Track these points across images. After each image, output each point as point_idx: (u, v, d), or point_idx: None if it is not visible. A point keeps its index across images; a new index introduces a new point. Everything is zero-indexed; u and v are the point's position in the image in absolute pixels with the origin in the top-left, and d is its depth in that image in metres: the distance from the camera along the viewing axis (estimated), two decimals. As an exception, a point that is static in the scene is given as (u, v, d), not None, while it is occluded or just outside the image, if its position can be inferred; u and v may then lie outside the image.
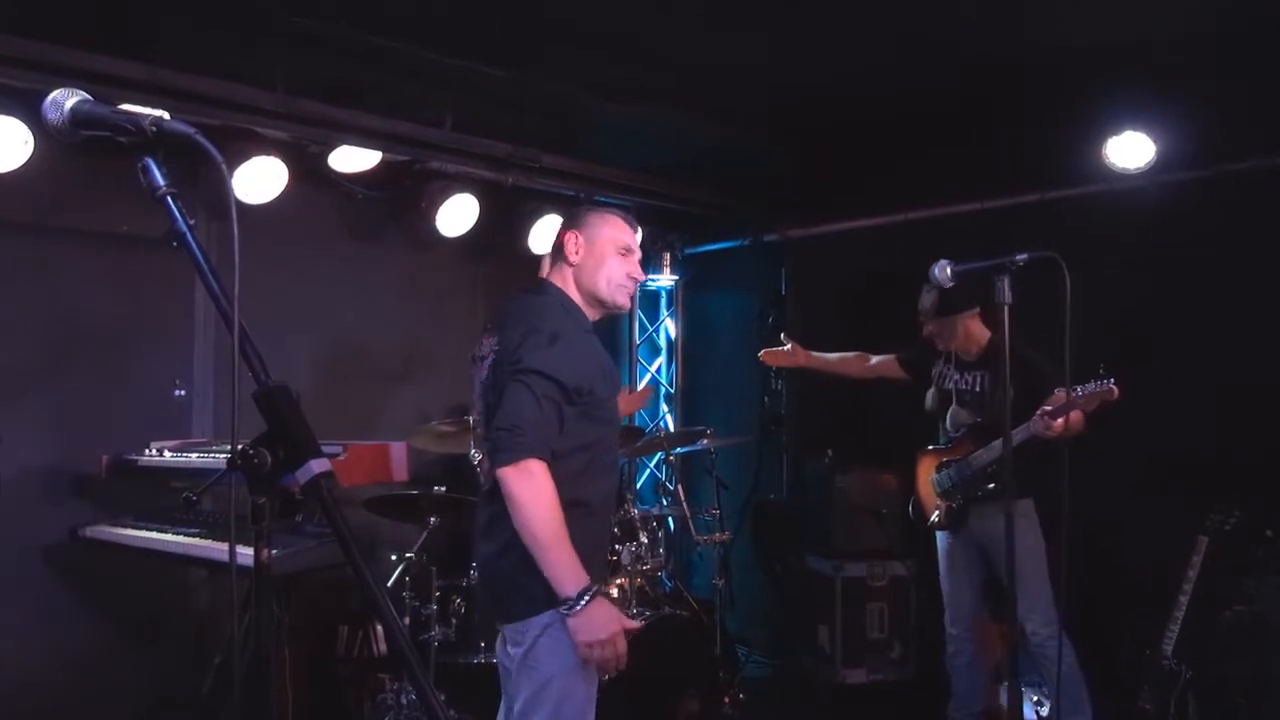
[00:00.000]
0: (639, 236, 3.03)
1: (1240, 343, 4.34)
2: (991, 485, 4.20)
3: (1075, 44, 4.29)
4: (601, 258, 2.87)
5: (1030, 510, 4.16)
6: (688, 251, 6.79)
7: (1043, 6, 4.03)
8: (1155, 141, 4.57)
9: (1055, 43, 4.30)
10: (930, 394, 4.57)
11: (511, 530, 2.55)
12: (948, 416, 4.45)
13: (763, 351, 4.76)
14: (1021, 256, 2.82)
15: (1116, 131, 4.63)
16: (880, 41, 4.42)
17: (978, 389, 4.32)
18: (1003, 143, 5.00)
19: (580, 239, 2.87)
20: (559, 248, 2.92)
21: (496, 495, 2.62)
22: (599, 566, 2.81)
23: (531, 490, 2.51)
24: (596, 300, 2.88)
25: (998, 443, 4.02)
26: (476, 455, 2.86)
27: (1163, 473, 4.37)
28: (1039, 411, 3.81)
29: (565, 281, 2.88)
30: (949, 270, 2.99)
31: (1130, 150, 4.62)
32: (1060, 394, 3.84)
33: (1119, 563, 4.46)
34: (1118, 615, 4.45)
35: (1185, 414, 4.32)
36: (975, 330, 4.33)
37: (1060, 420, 3.79)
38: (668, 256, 6.72)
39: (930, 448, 4.54)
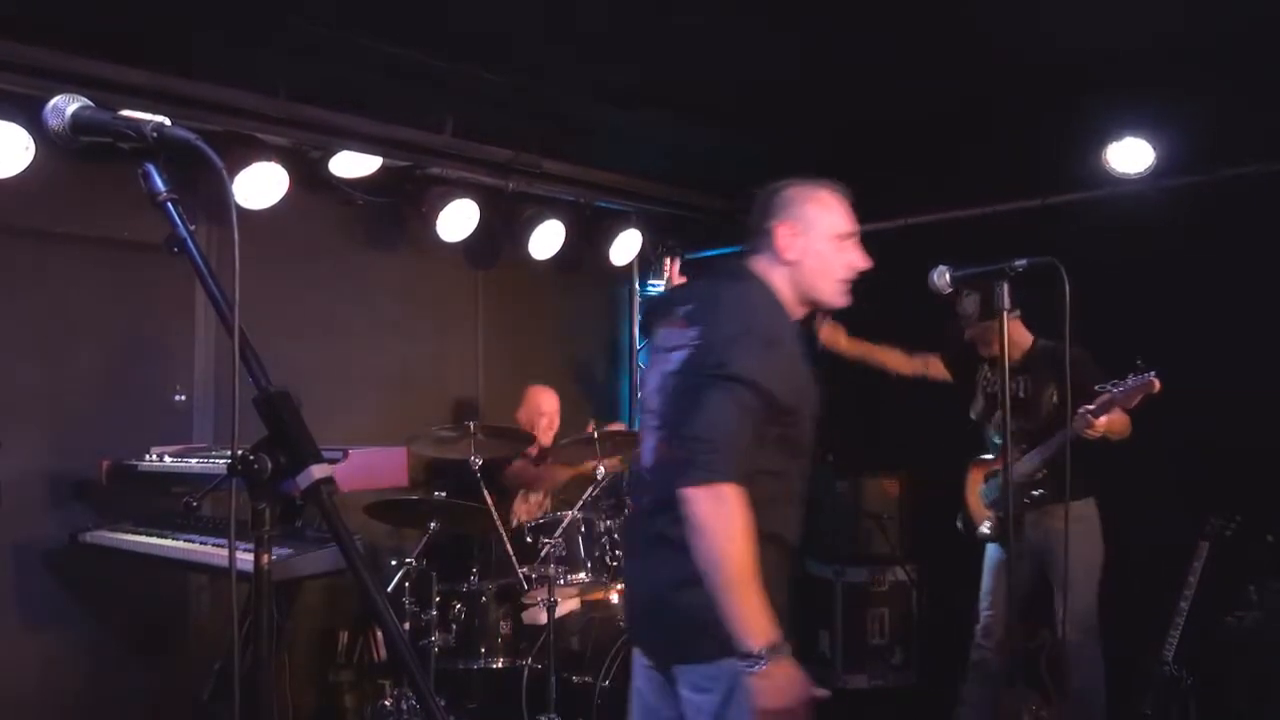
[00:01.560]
0: None
1: (1240, 347, 4.34)
2: (1037, 492, 4.07)
3: (1075, 49, 4.29)
4: (823, 255, 2.45)
5: (1091, 511, 4.09)
6: (688, 256, 6.78)
7: (1043, 12, 4.04)
8: (1155, 146, 4.57)
9: (1056, 48, 4.31)
10: (975, 401, 4.50)
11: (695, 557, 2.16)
12: (991, 423, 4.39)
13: (822, 327, 4.50)
14: (1021, 262, 2.81)
15: (1117, 137, 4.64)
16: (881, 46, 4.43)
17: (1020, 394, 4.19)
18: (1003, 148, 5.00)
19: (796, 229, 2.43)
20: (764, 240, 2.46)
21: (668, 508, 2.22)
22: (784, 618, 2.23)
23: (724, 518, 2.10)
24: (810, 300, 2.49)
25: (1039, 449, 3.97)
26: (644, 456, 2.45)
27: (1163, 478, 4.36)
28: (1080, 410, 3.73)
29: (771, 274, 2.44)
30: (948, 276, 2.99)
31: (1130, 155, 4.62)
32: (1102, 393, 3.80)
33: (1119, 568, 4.45)
34: (1119, 621, 4.44)
35: (1185, 418, 4.31)
36: (1017, 334, 4.19)
37: (1102, 419, 3.75)
38: (668, 262, 6.72)
39: (978, 458, 4.44)
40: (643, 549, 2.41)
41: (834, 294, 2.49)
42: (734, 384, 2.18)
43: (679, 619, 2.27)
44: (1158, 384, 3.68)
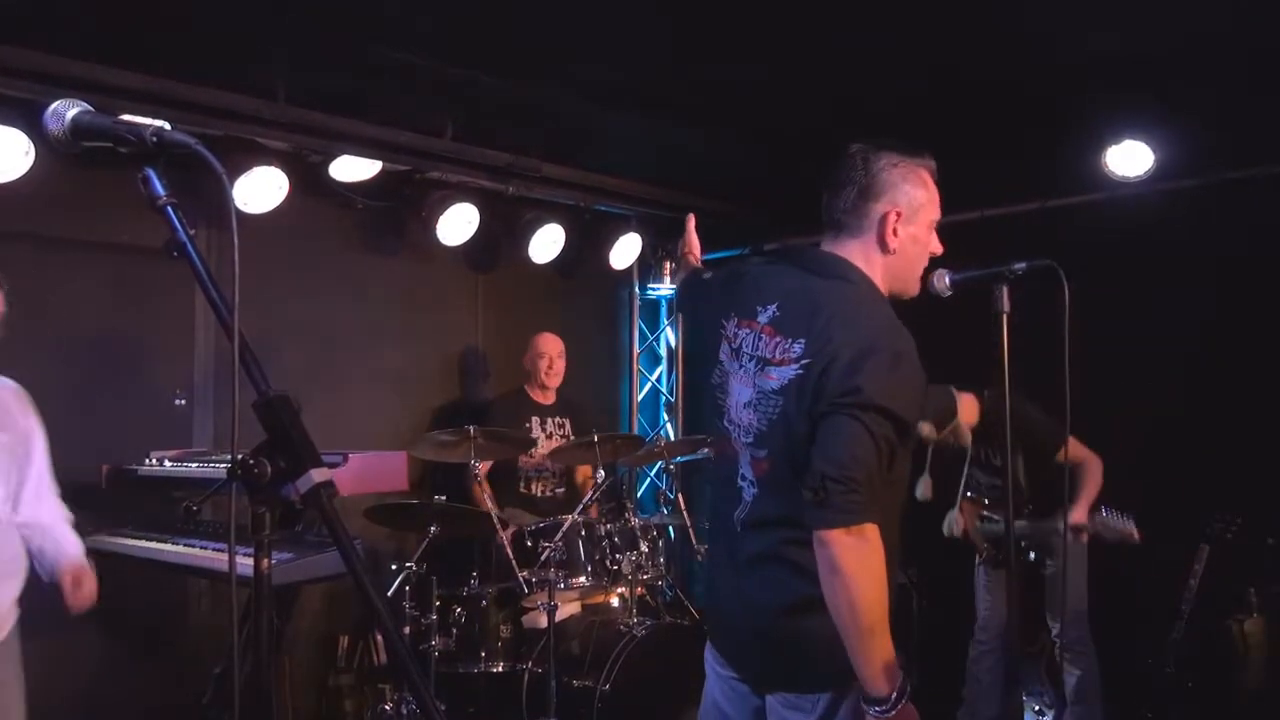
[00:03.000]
0: None
1: (1239, 349, 4.34)
2: (1031, 555, 4.18)
3: (1075, 53, 4.30)
4: (921, 244, 2.26)
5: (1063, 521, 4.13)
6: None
7: (1043, 16, 4.04)
8: (1154, 150, 4.58)
9: (1055, 51, 4.31)
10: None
11: (812, 586, 2.05)
12: (969, 471, 4.38)
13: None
14: (1020, 265, 2.81)
15: (1116, 140, 4.64)
16: (882, 50, 4.43)
17: (996, 461, 4.26)
18: (1003, 151, 5.00)
19: (903, 216, 2.22)
20: (862, 222, 2.22)
21: (774, 528, 2.16)
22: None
23: (866, 562, 1.99)
24: (895, 294, 2.29)
25: (1023, 524, 4.01)
26: (741, 469, 2.26)
27: (1163, 480, 4.36)
28: (1069, 521, 3.85)
29: (871, 265, 2.23)
30: (947, 279, 2.98)
31: (1130, 158, 4.63)
32: (1085, 517, 3.88)
33: (1120, 571, 4.44)
34: (1119, 624, 4.44)
35: (1186, 421, 4.32)
36: (970, 406, 4.16)
37: (1085, 534, 3.90)
38: (668, 265, 6.73)
39: (969, 496, 4.39)
40: (742, 565, 2.26)
41: (917, 286, 2.33)
42: (868, 412, 2.02)
43: (787, 645, 2.20)
44: (1138, 536, 3.82)
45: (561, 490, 5.28)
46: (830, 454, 2.02)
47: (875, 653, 2.00)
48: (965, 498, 4.45)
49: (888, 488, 2.09)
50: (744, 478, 2.25)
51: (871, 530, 2.00)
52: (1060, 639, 4.10)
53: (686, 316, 2.63)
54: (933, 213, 2.29)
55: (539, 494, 5.23)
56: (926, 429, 3.82)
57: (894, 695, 2.01)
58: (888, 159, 2.27)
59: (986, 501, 4.37)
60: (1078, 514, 3.90)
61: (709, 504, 2.76)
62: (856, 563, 1.99)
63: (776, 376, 2.16)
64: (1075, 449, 3.86)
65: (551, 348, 5.34)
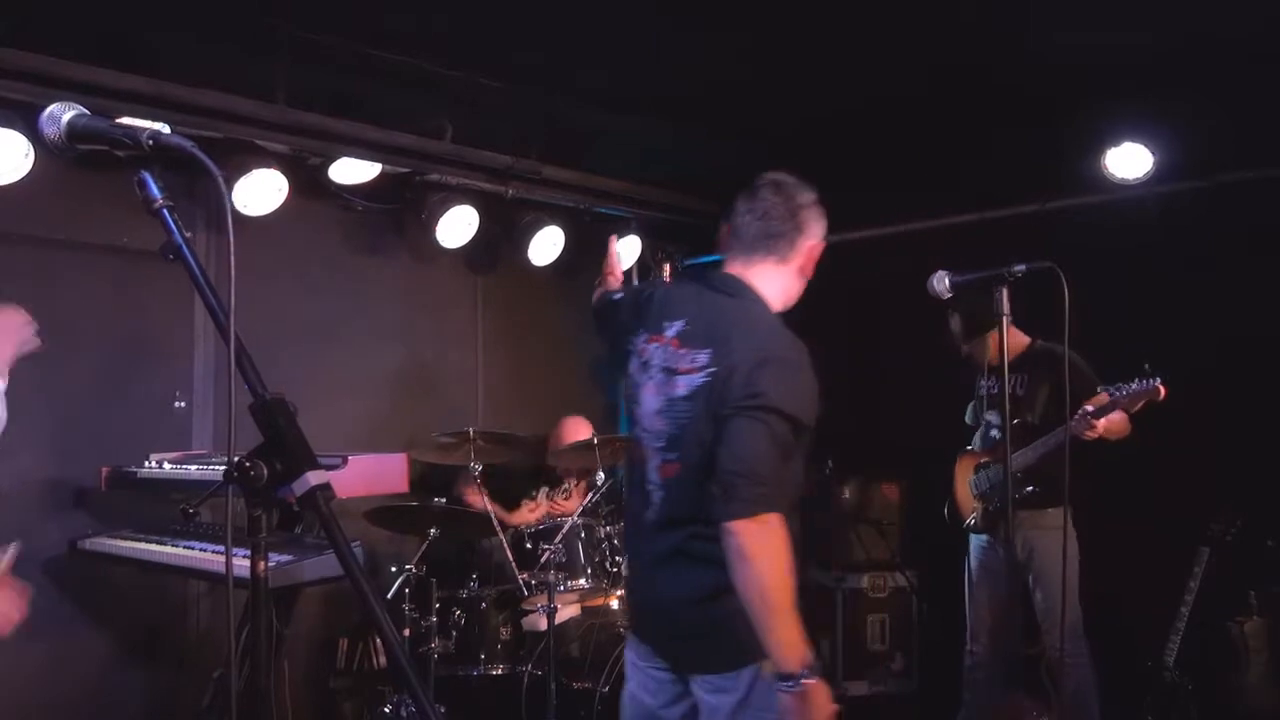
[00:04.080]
0: None
1: (1239, 352, 4.34)
2: (1030, 489, 4.06)
3: (1075, 55, 4.30)
4: (806, 276, 2.55)
5: (1059, 521, 4.11)
6: (687, 263, 6.78)
7: (1043, 18, 4.04)
8: (1154, 152, 4.58)
9: (1055, 53, 4.31)
10: (970, 407, 4.53)
11: (719, 575, 2.25)
12: (988, 422, 4.40)
13: None
14: (1020, 267, 2.82)
15: (1115, 142, 4.64)
16: (880, 54, 4.43)
17: (1017, 391, 4.20)
18: (1003, 153, 5.01)
19: (817, 250, 2.52)
20: (792, 251, 2.49)
21: (681, 526, 2.38)
22: None
23: (772, 548, 2.22)
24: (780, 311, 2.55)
25: (1037, 443, 3.97)
26: (649, 474, 2.48)
27: (1164, 482, 4.36)
28: (1080, 410, 3.76)
29: (768, 284, 2.49)
30: (947, 281, 2.99)
31: (1129, 160, 4.63)
32: (1104, 395, 3.81)
33: (1120, 573, 4.44)
34: (1120, 626, 4.43)
35: (1186, 423, 4.31)
36: (1012, 337, 4.18)
37: (1102, 421, 3.76)
38: (668, 268, 6.72)
39: (968, 449, 4.49)
40: (653, 562, 2.49)
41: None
42: (767, 415, 2.24)
43: (703, 631, 2.38)
44: (1163, 390, 3.68)
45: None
46: (735, 452, 2.24)
47: (783, 631, 2.20)
48: (965, 451, 4.46)
49: (783, 483, 2.31)
50: (652, 481, 2.48)
51: (775, 519, 2.23)
52: (1055, 651, 4.09)
53: (602, 337, 2.80)
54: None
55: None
56: None
57: (802, 671, 2.18)
58: (806, 196, 2.52)
59: (984, 446, 4.37)
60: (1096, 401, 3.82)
61: (624, 508, 2.96)
62: (762, 549, 2.21)
63: (684, 385, 2.39)
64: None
65: (587, 432, 4.97)
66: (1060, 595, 3.98)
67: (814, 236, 2.50)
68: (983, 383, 4.44)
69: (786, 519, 2.29)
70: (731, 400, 2.27)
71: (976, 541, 4.42)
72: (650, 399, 2.47)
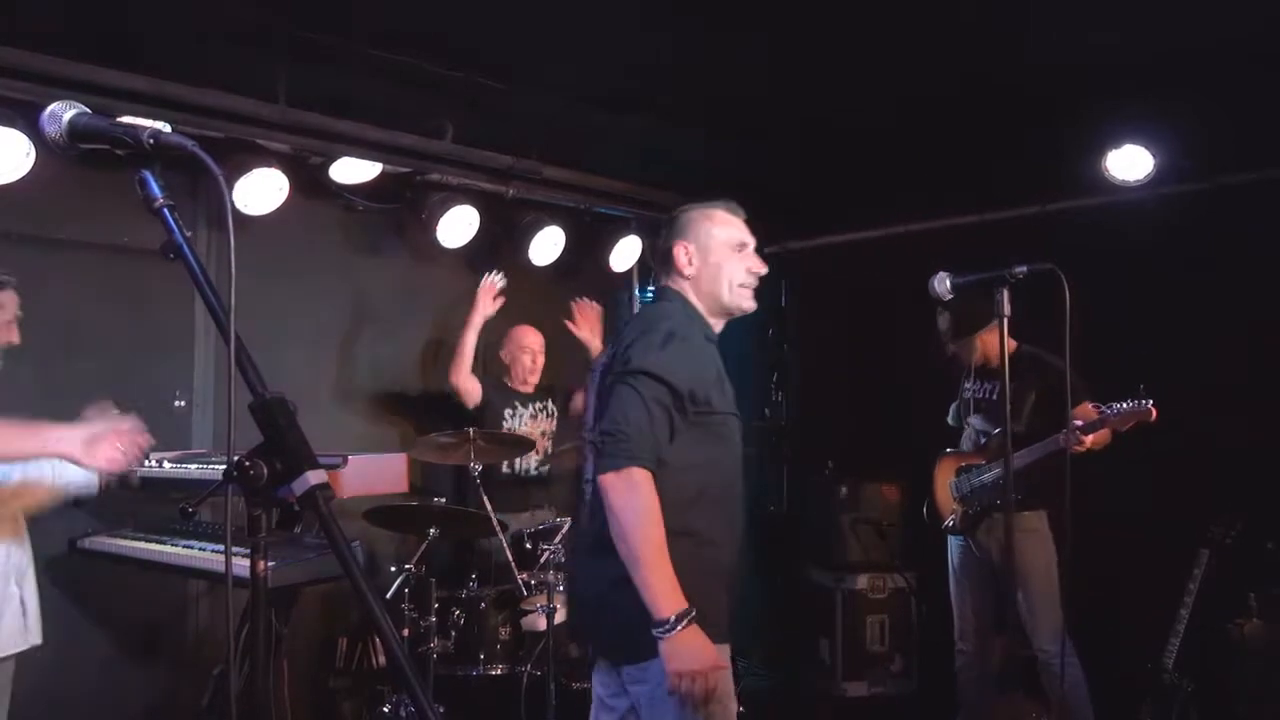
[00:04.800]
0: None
1: (1239, 353, 4.34)
2: (1013, 496, 4.10)
3: (1076, 57, 4.30)
4: (719, 263, 2.68)
5: (1042, 524, 4.13)
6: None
7: (1044, 21, 4.04)
8: (1154, 154, 4.58)
9: (1056, 55, 4.31)
10: (953, 408, 4.55)
11: (620, 563, 2.36)
12: (970, 425, 4.42)
13: None
14: (1021, 269, 2.82)
15: (1116, 144, 4.64)
16: (881, 55, 4.43)
17: (997, 397, 4.24)
18: (1003, 155, 5.01)
19: (691, 248, 2.69)
20: (667, 261, 2.73)
21: (598, 514, 2.46)
22: (716, 610, 2.46)
23: (633, 500, 2.33)
24: (720, 308, 2.72)
25: (1022, 452, 3.96)
26: (585, 469, 2.67)
27: (1163, 484, 4.36)
28: (1071, 426, 3.77)
29: (683, 289, 2.71)
30: (948, 283, 2.99)
31: (1130, 163, 4.63)
32: (1088, 407, 3.84)
33: (1119, 575, 4.44)
34: (1119, 628, 4.43)
35: (1186, 425, 4.31)
36: (994, 343, 4.24)
37: (1090, 435, 3.78)
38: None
39: (949, 450, 4.51)
40: (583, 552, 2.65)
41: (737, 298, 2.69)
42: (636, 377, 2.43)
43: (619, 618, 2.44)
44: (1154, 412, 3.72)
45: (547, 468, 5.23)
46: (610, 414, 2.43)
47: (651, 581, 2.31)
48: (944, 454, 4.47)
49: (682, 451, 2.44)
50: (585, 479, 2.65)
51: (640, 473, 2.34)
52: (1042, 652, 4.10)
53: None
54: (729, 240, 2.70)
55: (523, 471, 5.15)
56: None
57: (672, 618, 2.29)
58: (683, 210, 2.78)
59: (967, 449, 4.39)
60: (1084, 413, 3.84)
61: None
62: (624, 501, 2.33)
63: (598, 379, 2.66)
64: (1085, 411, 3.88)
65: (534, 342, 5.20)
66: (1035, 597, 3.99)
67: (676, 239, 2.71)
68: (967, 385, 4.46)
69: (706, 506, 2.47)
70: (613, 372, 2.52)
71: (954, 542, 4.45)
72: (594, 404, 2.68)
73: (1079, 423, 3.79)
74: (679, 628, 2.29)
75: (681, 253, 2.69)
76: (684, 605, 2.31)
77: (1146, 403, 3.73)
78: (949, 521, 4.42)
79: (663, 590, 2.31)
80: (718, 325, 2.73)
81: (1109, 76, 4.38)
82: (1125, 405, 3.76)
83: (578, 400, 5.19)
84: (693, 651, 2.30)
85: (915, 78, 4.64)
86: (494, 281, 5.04)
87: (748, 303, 2.72)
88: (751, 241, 2.74)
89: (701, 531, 2.48)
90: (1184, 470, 4.30)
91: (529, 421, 5.20)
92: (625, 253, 5.88)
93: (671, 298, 2.70)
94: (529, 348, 5.20)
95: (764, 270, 2.74)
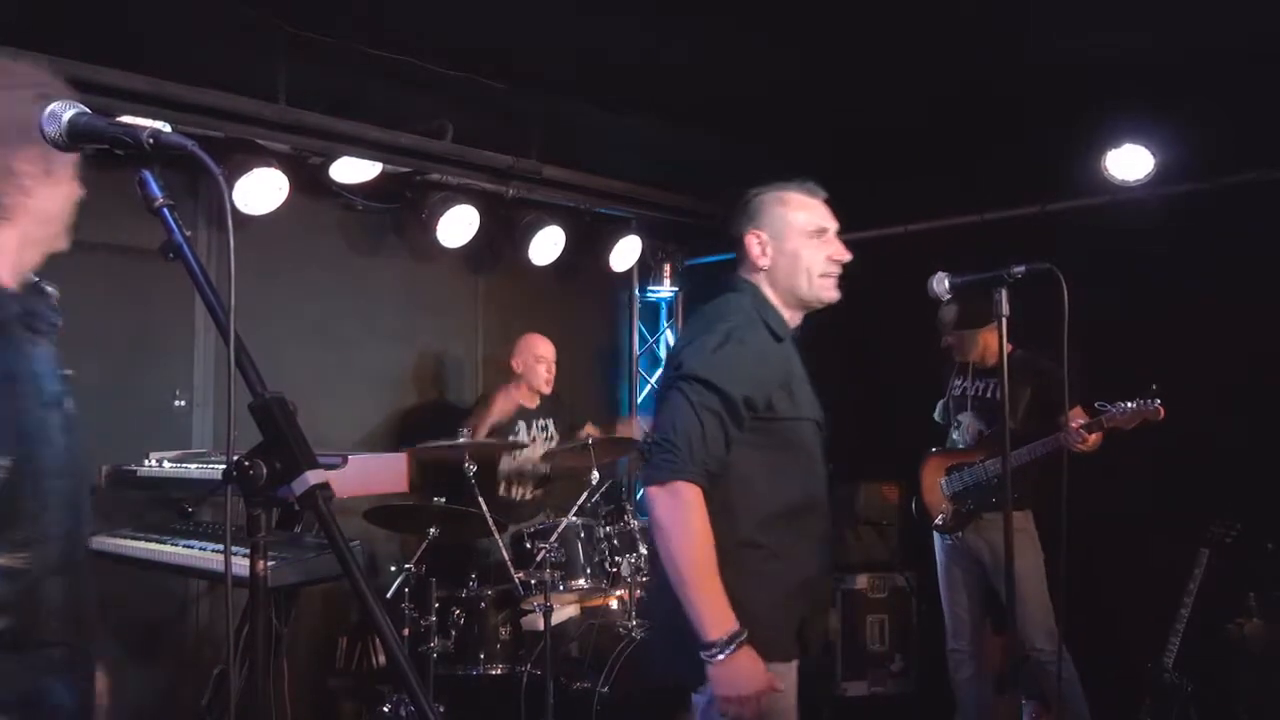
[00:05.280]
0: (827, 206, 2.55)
1: (1238, 354, 4.33)
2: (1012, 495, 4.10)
3: (1076, 57, 4.30)
4: (796, 252, 2.47)
5: (1029, 524, 4.14)
6: (688, 263, 6.79)
7: (1044, 21, 4.04)
8: (1154, 154, 4.58)
9: (1056, 55, 4.31)
10: (940, 405, 4.55)
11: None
12: (960, 423, 4.42)
13: None
14: (1019, 268, 2.81)
15: (1116, 144, 4.64)
16: (881, 56, 4.43)
17: (992, 395, 4.26)
18: (1003, 155, 5.00)
19: (764, 236, 2.49)
20: (739, 251, 2.54)
21: None
22: (775, 628, 2.31)
23: (678, 516, 2.18)
24: (799, 300, 2.52)
25: (1022, 450, 3.96)
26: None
27: (1163, 484, 4.36)
28: (1074, 425, 3.79)
29: (759, 283, 2.51)
30: (947, 283, 2.98)
31: (1130, 162, 4.63)
32: (1079, 409, 3.85)
33: (1119, 575, 4.44)
34: (1118, 628, 4.43)
35: (1185, 425, 4.31)
36: (995, 343, 4.27)
37: (1094, 435, 3.79)
38: (668, 268, 6.73)
39: (937, 450, 4.51)
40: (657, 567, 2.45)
41: (818, 290, 2.50)
42: (689, 382, 2.27)
43: (660, 632, 2.39)
44: (1162, 412, 3.72)
45: (540, 492, 5.24)
46: (659, 421, 2.32)
47: (698, 600, 2.16)
48: (932, 453, 4.48)
49: (743, 458, 2.29)
50: None
51: (687, 489, 2.19)
52: (1034, 651, 4.10)
53: None
54: (806, 225, 2.49)
55: (518, 497, 5.17)
56: None
57: (721, 640, 2.15)
58: (754, 194, 2.57)
59: (961, 445, 4.39)
60: (1075, 415, 3.85)
61: None
62: (669, 516, 2.19)
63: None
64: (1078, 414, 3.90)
65: (548, 351, 5.16)
66: (1026, 595, 3.99)
67: (746, 227, 2.52)
68: (957, 382, 4.46)
69: (774, 515, 2.32)
70: (666, 376, 2.40)
71: (942, 541, 4.45)
72: None
73: (1079, 422, 3.80)
74: (728, 650, 2.15)
75: (754, 242, 2.50)
76: (733, 626, 2.17)
77: (1154, 403, 3.74)
78: (939, 520, 4.42)
79: (709, 611, 2.17)
80: (795, 319, 2.54)
81: (1109, 76, 4.38)
82: (1132, 405, 3.77)
83: (587, 430, 5.17)
84: (745, 675, 2.17)
85: (915, 78, 4.64)
86: None
87: (830, 293, 2.51)
88: (832, 226, 2.53)
89: (767, 544, 2.33)
90: (1184, 470, 4.30)
91: (530, 444, 5.19)
92: (625, 252, 5.88)
93: (742, 290, 2.50)
94: (544, 357, 5.15)
95: (847, 257, 2.54)
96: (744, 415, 2.29)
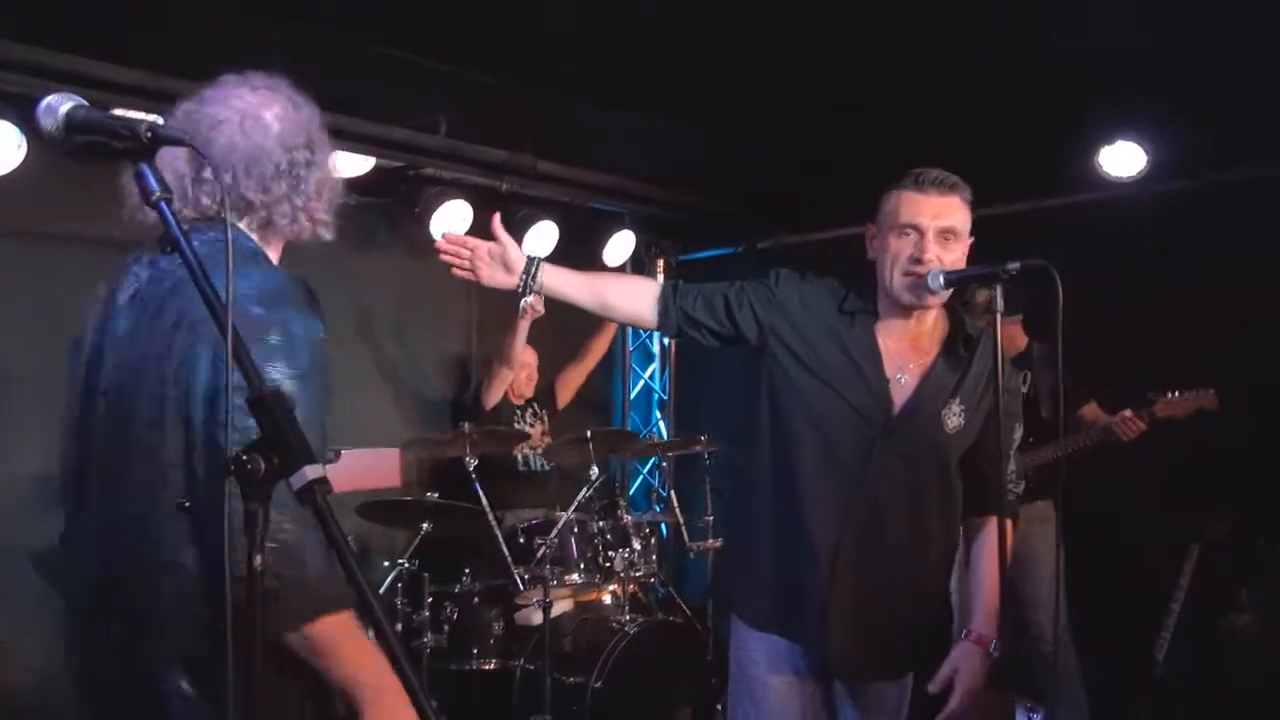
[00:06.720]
0: (943, 201, 2.46)
1: (1232, 351, 4.35)
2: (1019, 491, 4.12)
3: (1069, 53, 4.31)
4: (883, 246, 2.43)
5: (1051, 513, 4.12)
6: (681, 258, 6.79)
7: (1037, 17, 4.05)
8: (1147, 150, 4.59)
9: (1049, 52, 4.32)
10: None
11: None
12: None
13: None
14: (1014, 265, 2.81)
15: (1109, 140, 4.65)
16: (875, 51, 4.43)
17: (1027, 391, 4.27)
18: (996, 151, 5.00)
19: (873, 228, 2.50)
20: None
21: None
22: (759, 591, 2.62)
23: None
24: (890, 297, 2.45)
25: (1066, 440, 4.02)
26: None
27: (1155, 479, 4.37)
28: (1121, 415, 3.92)
29: (878, 273, 2.51)
30: (941, 278, 2.98)
31: (1123, 159, 4.64)
32: (1093, 407, 3.86)
33: (1111, 569, 4.46)
34: (1110, 622, 4.45)
35: (1177, 420, 4.33)
36: (1016, 337, 4.30)
37: (1143, 424, 3.90)
38: (661, 263, 6.73)
39: None
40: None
41: (897, 289, 2.44)
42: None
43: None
44: (1216, 400, 3.81)
45: (552, 464, 5.28)
46: None
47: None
48: None
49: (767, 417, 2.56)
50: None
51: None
52: (1046, 644, 4.11)
53: None
54: (894, 216, 2.47)
55: (539, 468, 5.24)
56: None
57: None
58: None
59: None
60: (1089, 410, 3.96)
61: None
62: None
63: None
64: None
65: (531, 359, 5.28)
66: (1043, 582, 4.00)
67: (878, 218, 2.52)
68: None
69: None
70: None
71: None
72: None
73: (1128, 413, 3.92)
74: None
75: (868, 233, 2.53)
76: None
77: (1209, 391, 3.90)
78: None
79: None
80: (897, 320, 2.49)
81: (1102, 72, 4.39)
82: (1190, 393, 3.89)
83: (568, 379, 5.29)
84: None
85: (909, 74, 4.64)
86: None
87: (906, 295, 2.42)
88: (929, 225, 2.43)
89: (774, 510, 2.53)
90: (1175, 465, 4.32)
91: (531, 431, 5.23)
92: (618, 248, 5.88)
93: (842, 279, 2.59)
94: (526, 364, 5.25)
95: (928, 258, 2.42)
96: (761, 317, 2.51)
